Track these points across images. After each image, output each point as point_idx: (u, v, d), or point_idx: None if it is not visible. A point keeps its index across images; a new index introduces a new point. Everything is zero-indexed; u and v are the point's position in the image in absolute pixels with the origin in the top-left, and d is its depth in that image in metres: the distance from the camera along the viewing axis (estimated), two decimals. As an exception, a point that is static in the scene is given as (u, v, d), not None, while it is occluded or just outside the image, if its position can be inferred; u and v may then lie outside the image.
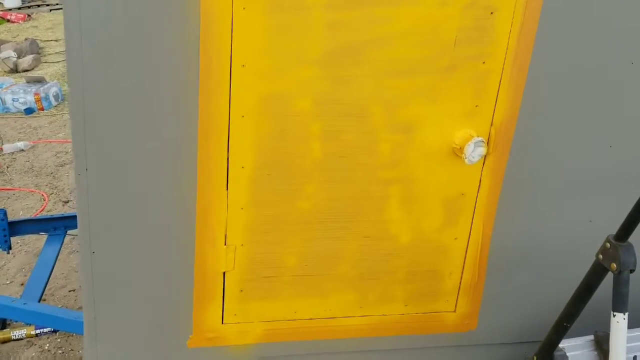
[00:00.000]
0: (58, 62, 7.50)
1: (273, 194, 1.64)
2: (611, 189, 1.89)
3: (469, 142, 1.63)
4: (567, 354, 1.44)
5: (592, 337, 1.57)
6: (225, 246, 1.65)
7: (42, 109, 5.98)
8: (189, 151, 1.55)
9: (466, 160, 1.64)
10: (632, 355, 1.18)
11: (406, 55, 1.57)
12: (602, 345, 1.50)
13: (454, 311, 1.92)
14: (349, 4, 1.48)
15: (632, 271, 1.16)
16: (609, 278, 1.31)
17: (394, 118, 1.64)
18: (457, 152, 1.69)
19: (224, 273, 1.68)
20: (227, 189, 1.60)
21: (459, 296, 1.90)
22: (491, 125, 1.71)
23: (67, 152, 5.13)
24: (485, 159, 1.71)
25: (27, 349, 2.91)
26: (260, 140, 1.57)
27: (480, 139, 1.63)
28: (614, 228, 1.90)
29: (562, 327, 1.37)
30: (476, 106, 1.68)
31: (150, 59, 1.46)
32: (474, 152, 1.64)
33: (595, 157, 1.84)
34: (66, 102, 6.24)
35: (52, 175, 4.77)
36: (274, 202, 1.65)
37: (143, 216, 1.60)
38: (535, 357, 1.56)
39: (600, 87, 1.75)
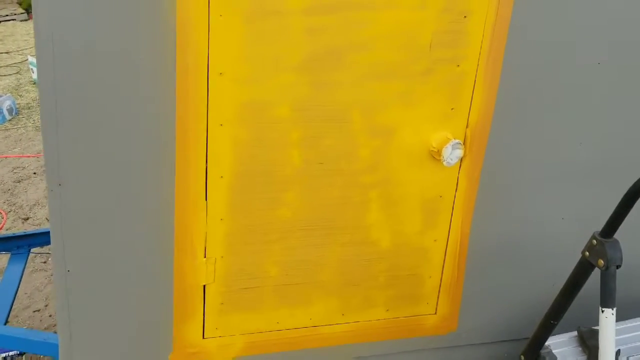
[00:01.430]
0: (10, 74, 7.25)
1: (253, 203, 1.61)
2: (581, 186, 1.94)
3: (447, 145, 1.65)
4: (553, 351, 1.46)
5: (575, 333, 1.60)
6: (205, 259, 1.61)
7: (-4, 124, 5.77)
8: (167, 162, 1.51)
9: (444, 163, 1.66)
10: (616, 349, 1.21)
11: (384, 59, 1.58)
12: (585, 341, 1.53)
13: (435, 313, 1.93)
14: (327, 9, 1.47)
15: (618, 267, 1.19)
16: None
17: (372, 122, 1.64)
18: (434, 155, 1.70)
19: (204, 286, 1.64)
20: (206, 199, 1.56)
21: (439, 298, 1.91)
22: (467, 126, 1.73)
23: (24, 168, 4.95)
24: (461, 160, 1.73)
25: (-8, 373, 2.78)
26: (239, 148, 1.55)
27: (457, 141, 1.65)
28: (585, 225, 1.95)
29: (549, 324, 1.40)
30: (452, 109, 1.70)
31: (126, 68, 1.42)
32: (451, 154, 1.65)
33: (565, 155, 1.88)
34: (21, 116, 6.03)
35: (9, 192, 4.59)
36: (254, 212, 1.62)
37: (119, 230, 1.55)
38: (522, 356, 1.58)
39: (570, 87, 1.79)
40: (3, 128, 5.78)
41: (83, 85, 1.41)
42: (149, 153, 1.50)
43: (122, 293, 1.60)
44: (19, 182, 4.77)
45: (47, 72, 1.36)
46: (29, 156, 5.16)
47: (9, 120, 5.94)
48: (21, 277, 2.83)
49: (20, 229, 4.07)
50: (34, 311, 3.30)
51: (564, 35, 1.72)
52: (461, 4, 1.58)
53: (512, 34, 1.66)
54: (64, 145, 1.43)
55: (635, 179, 1.93)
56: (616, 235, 1.27)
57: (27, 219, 4.24)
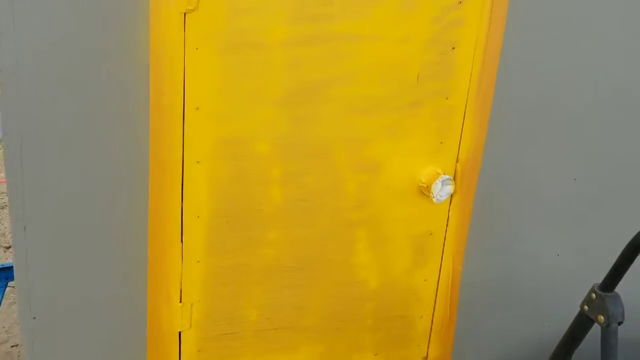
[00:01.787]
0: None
1: (232, 243, 1.52)
2: (576, 222, 1.86)
3: (436, 181, 1.57)
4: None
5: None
6: (180, 304, 1.51)
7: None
8: (140, 201, 1.42)
9: (434, 200, 1.58)
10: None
11: (369, 92, 1.51)
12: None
13: (426, 357, 1.83)
14: (309, 42, 1.41)
15: (620, 323, 1.10)
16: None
17: (358, 157, 1.56)
18: (424, 191, 1.62)
19: (179, 333, 1.54)
20: (181, 240, 1.47)
21: (431, 340, 1.82)
22: (457, 161, 1.66)
23: (7, 194, 4.83)
24: (452, 196, 1.65)
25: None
26: (217, 186, 1.47)
27: (447, 177, 1.58)
28: (580, 262, 1.89)
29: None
30: (441, 143, 1.63)
31: (95, 103, 1.34)
32: (441, 190, 1.57)
33: (560, 190, 1.81)
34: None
35: (-9, 219, 4.47)
36: (234, 252, 1.53)
37: (89, 276, 1.45)
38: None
39: (563, 120, 1.73)
40: (-12, 153, 5.67)
41: (51, 122, 1.33)
42: (120, 192, 1.42)
43: (93, 341, 1.50)
44: (3, 208, 4.65)
45: (12, 121, 1.29)
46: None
47: (-5, 144, 5.83)
48: (-3, 311, 2.71)
49: (1, 257, 3.95)
50: (12, 346, 3.17)
51: (557, 68, 1.66)
52: (449, 35, 1.52)
53: (503, 66, 1.60)
54: (29, 183, 1.35)
55: (631, 215, 1.87)
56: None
57: (9, 247, 4.12)
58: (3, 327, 3.26)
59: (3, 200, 4.77)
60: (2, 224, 4.45)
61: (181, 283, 1.50)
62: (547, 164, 1.77)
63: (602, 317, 1.10)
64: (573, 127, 1.74)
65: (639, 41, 1.71)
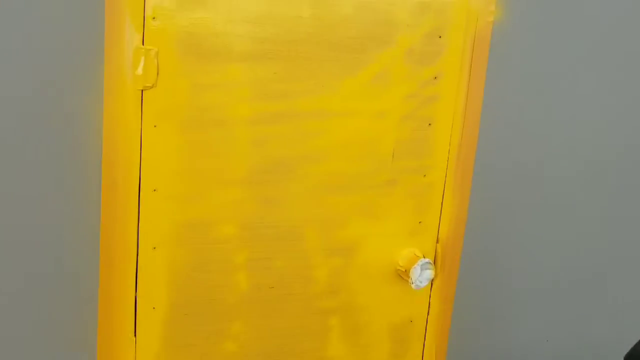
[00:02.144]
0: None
1: (193, 337, 1.37)
2: (566, 303, 1.75)
3: (415, 265, 1.46)
4: None
5: None
6: (133, 406, 1.35)
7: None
8: (87, 291, 1.28)
9: (413, 286, 1.46)
10: None
11: (342, 170, 1.42)
12: None
13: None
14: (276, 118, 1.33)
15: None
16: None
17: (330, 240, 1.45)
18: (402, 275, 1.51)
19: None
20: (135, 335, 1.32)
21: None
22: (437, 241, 1.56)
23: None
24: (432, 280, 1.53)
25: None
26: (176, 274, 1.34)
27: (427, 260, 1.47)
28: (571, 347, 1.76)
29: None
30: (419, 222, 1.53)
31: (43, 187, 1.22)
32: (421, 275, 1.46)
33: (547, 268, 1.71)
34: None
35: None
36: (194, 347, 1.38)
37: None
38: None
39: (548, 195, 1.65)
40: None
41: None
42: (67, 278, 1.28)
43: None
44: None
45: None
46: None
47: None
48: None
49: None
50: None
51: (538, 141, 1.60)
52: (425, 111, 1.45)
53: (483, 141, 1.53)
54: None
55: (620, 294, 1.77)
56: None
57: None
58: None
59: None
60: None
61: (133, 384, 1.34)
62: (533, 241, 1.67)
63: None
64: (560, 200, 1.66)
65: (626, 106, 1.66)
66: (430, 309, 1.58)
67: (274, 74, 1.31)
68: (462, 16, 1.43)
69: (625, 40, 1.60)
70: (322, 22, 1.32)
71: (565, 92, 1.59)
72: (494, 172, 1.58)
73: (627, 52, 1.61)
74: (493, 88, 1.51)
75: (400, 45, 1.39)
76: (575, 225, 1.70)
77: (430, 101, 1.45)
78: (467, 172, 1.54)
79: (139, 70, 1.20)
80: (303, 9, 1.30)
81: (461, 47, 1.45)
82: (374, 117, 1.41)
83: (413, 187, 1.50)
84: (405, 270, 1.49)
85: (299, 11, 1.29)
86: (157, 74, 1.22)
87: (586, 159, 1.65)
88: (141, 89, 1.22)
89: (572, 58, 1.57)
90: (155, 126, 1.25)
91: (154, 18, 1.20)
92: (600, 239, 1.73)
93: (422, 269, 1.46)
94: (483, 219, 1.60)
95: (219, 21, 1.24)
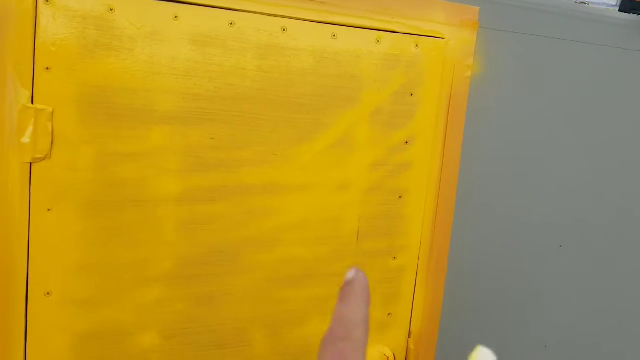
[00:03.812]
0: None
1: None
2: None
3: (387, 371, 1.19)
4: None
5: None
6: None
7: None
8: None
9: (385, 397, 1.18)
10: None
11: (296, 257, 1.14)
12: None
13: None
14: (214, 195, 1.04)
15: None
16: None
17: (283, 343, 1.16)
18: (370, 382, 1.23)
19: None
20: None
21: None
22: (409, 336, 1.29)
23: None
24: (405, 383, 1.27)
25: None
26: (77, 403, 1.00)
27: (400, 364, 1.20)
28: None
29: None
30: (389, 314, 1.26)
31: None
32: (394, 384, 1.19)
33: None
34: None
35: None
36: None
37: None
38: None
39: (531, 278, 1.43)
40: None
41: None
42: None
43: None
44: None
45: None
46: None
47: None
48: None
49: None
50: None
51: (523, 217, 1.38)
52: (394, 181, 1.21)
53: (459, 218, 1.30)
54: None
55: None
56: None
57: None
58: None
59: None
60: None
61: None
62: (515, 333, 1.44)
63: None
64: (539, 282, 1.44)
65: (613, 163, 1.47)
66: (403, 419, 1.30)
67: (210, 139, 1.03)
68: (436, 71, 1.21)
69: (608, 94, 1.42)
70: (271, 75, 1.06)
71: (552, 156, 1.39)
72: (474, 252, 1.35)
73: (611, 107, 1.43)
74: (471, 153, 1.28)
75: (366, 105, 1.15)
76: (566, 319, 1.48)
77: (400, 170, 1.21)
78: (443, 252, 1.29)
79: (27, 138, 0.90)
80: (248, 59, 1.03)
81: (436, 106, 1.22)
82: (335, 191, 1.15)
83: (381, 273, 1.24)
84: (374, 377, 1.22)
85: (242, 62, 1.03)
86: (52, 141, 0.91)
87: (578, 233, 1.45)
88: (29, 161, 0.91)
89: (559, 118, 1.37)
90: (49, 210, 0.94)
91: (47, 68, 0.90)
92: (583, 332, 1.52)
93: (394, 376, 1.19)
94: (461, 308, 1.35)
95: (138, 73, 0.96)
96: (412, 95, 1.19)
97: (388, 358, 1.22)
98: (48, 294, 0.95)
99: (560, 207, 1.42)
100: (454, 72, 1.22)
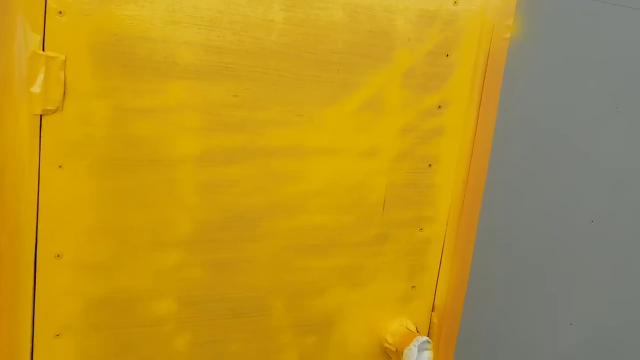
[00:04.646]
0: None
1: None
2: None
3: (410, 346, 1.14)
4: None
5: None
6: None
7: None
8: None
9: (407, 373, 1.13)
10: None
11: (319, 225, 1.08)
12: None
13: None
14: (235, 157, 0.98)
15: None
16: None
17: (302, 313, 1.11)
18: (391, 355, 1.18)
19: None
20: None
21: None
22: (432, 310, 1.24)
23: None
24: (427, 358, 1.22)
25: None
26: (88, 370, 0.96)
27: (425, 339, 1.14)
28: None
29: None
30: (413, 287, 1.21)
31: None
32: (418, 358, 1.14)
33: (556, 338, 1.43)
34: None
35: None
36: None
37: None
38: None
39: (559, 254, 1.37)
40: None
41: None
42: None
43: None
44: None
45: None
46: None
47: None
48: None
49: None
50: None
51: (558, 188, 1.31)
52: (425, 148, 1.14)
53: (490, 189, 1.23)
54: None
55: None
56: None
57: None
58: None
59: None
60: None
61: None
62: (541, 309, 1.38)
63: None
64: (571, 262, 1.38)
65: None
66: (423, 395, 1.25)
67: (233, 97, 0.96)
68: (474, 31, 1.12)
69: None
70: (300, 29, 0.98)
71: (592, 124, 1.31)
72: (504, 226, 1.28)
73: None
74: (506, 120, 1.21)
75: (398, 65, 1.07)
76: (593, 288, 1.42)
77: (432, 136, 1.14)
78: (472, 225, 1.23)
79: (37, 87, 0.83)
80: (275, 11, 0.95)
81: (472, 69, 1.14)
82: (362, 156, 1.08)
83: (406, 244, 1.18)
84: (396, 350, 1.17)
85: (269, 13, 0.95)
86: (64, 92, 0.85)
87: (610, 208, 1.38)
88: (40, 113, 0.84)
89: (600, 85, 1.29)
90: (60, 167, 0.87)
91: (60, 12, 0.83)
92: (615, 309, 1.47)
93: (419, 350, 1.14)
94: (487, 283, 1.30)
95: (157, 21, 0.89)
96: (447, 56, 1.11)
97: (412, 333, 1.17)
98: (58, 256, 0.90)
99: (593, 181, 1.35)
100: (492, 32, 1.14)
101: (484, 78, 1.16)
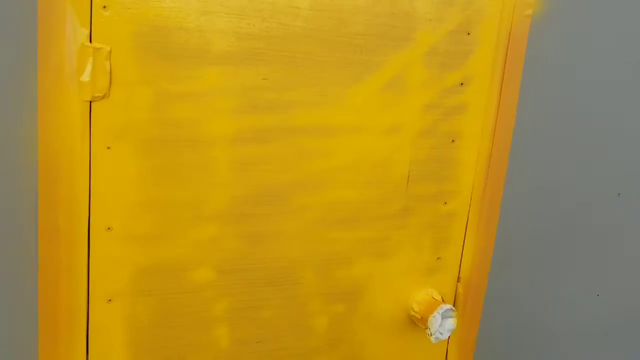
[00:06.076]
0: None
1: (159, 407, 1.10)
2: (601, 349, 1.51)
3: (434, 313, 1.20)
4: None
5: None
6: None
7: None
8: (26, 348, 1.01)
9: (432, 338, 1.20)
10: None
11: (346, 199, 1.15)
12: None
13: None
14: (266, 136, 1.05)
15: None
16: None
17: (330, 282, 1.19)
18: (417, 323, 1.25)
19: None
20: (85, 409, 1.05)
21: None
22: (458, 281, 1.30)
23: None
24: (452, 326, 1.28)
25: None
26: (137, 332, 1.06)
27: (448, 307, 1.20)
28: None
29: None
30: (438, 258, 1.27)
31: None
32: (442, 326, 1.20)
33: (581, 312, 1.46)
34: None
35: None
36: (161, 419, 1.11)
37: None
38: None
39: (588, 228, 1.39)
40: None
41: None
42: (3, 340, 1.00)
43: None
44: None
45: None
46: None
47: None
48: None
49: None
50: None
51: (581, 164, 1.34)
52: (448, 124, 1.18)
53: (515, 162, 1.27)
54: None
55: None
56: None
57: None
58: None
59: None
60: None
61: None
62: (566, 281, 1.42)
63: None
64: (598, 234, 1.41)
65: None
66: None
67: (262, 80, 1.03)
68: (495, 8, 1.15)
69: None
70: (324, 14, 1.03)
71: (618, 102, 1.32)
72: (527, 200, 1.32)
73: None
74: (529, 97, 1.24)
75: (420, 44, 1.12)
76: (620, 268, 1.44)
77: (454, 112, 1.18)
78: (496, 198, 1.27)
79: (86, 76, 0.92)
80: (300, -2, 1.01)
81: (494, 46, 1.17)
82: (386, 133, 1.14)
83: (431, 217, 1.23)
84: (422, 318, 1.23)
85: (294, 0, 1.01)
86: (110, 80, 0.93)
87: (637, 182, 1.40)
88: (89, 100, 0.93)
89: (625, 60, 1.30)
90: (108, 148, 0.97)
91: (104, 7, 0.91)
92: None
93: (443, 318, 1.20)
94: (512, 255, 1.34)
95: (192, 12, 0.96)
96: (468, 34, 1.14)
97: (437, 301, 1.23)
98: (109, 228, 1.00)
99: (619, 154, 1.37)
100: (514, 9, 1.17)
101: (506, 55, 1.19)
